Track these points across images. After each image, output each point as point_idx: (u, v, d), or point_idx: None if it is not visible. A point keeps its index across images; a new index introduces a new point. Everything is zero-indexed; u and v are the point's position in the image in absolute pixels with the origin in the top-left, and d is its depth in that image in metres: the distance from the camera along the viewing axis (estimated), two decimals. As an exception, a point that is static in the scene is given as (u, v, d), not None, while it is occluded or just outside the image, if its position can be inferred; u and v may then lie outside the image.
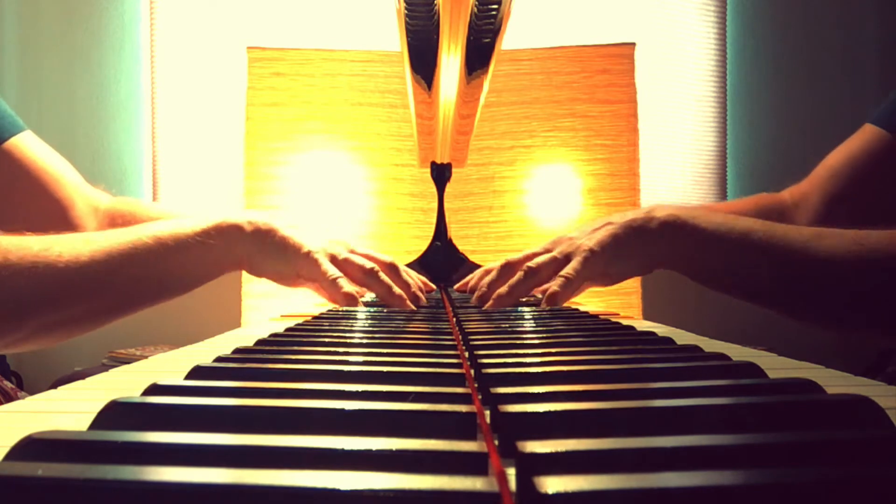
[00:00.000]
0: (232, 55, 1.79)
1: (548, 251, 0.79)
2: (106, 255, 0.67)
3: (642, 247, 0.73)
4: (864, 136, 0.98)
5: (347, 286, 0.75)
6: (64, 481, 0.18)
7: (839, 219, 0.93)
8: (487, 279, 0.81)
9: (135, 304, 0.73)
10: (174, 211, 0.97)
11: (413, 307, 0.77)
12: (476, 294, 0.81)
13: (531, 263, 0.76)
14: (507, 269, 0.80)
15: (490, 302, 0.75)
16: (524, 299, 0.81)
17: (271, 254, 0.75)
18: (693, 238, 0.71)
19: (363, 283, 0.78)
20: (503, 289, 0.75)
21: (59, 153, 0.98)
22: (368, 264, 0.78)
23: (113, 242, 0.68)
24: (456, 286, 0.98)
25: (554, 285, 0.73)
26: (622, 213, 0.77)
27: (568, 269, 0.74)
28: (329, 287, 0.76)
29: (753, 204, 1.00)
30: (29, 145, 0.92)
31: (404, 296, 0.77)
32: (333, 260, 0.77)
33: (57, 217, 0.92)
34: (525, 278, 0.75)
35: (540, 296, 0.79)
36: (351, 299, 0.75)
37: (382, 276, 0.78)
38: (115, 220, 0.95)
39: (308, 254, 0.76)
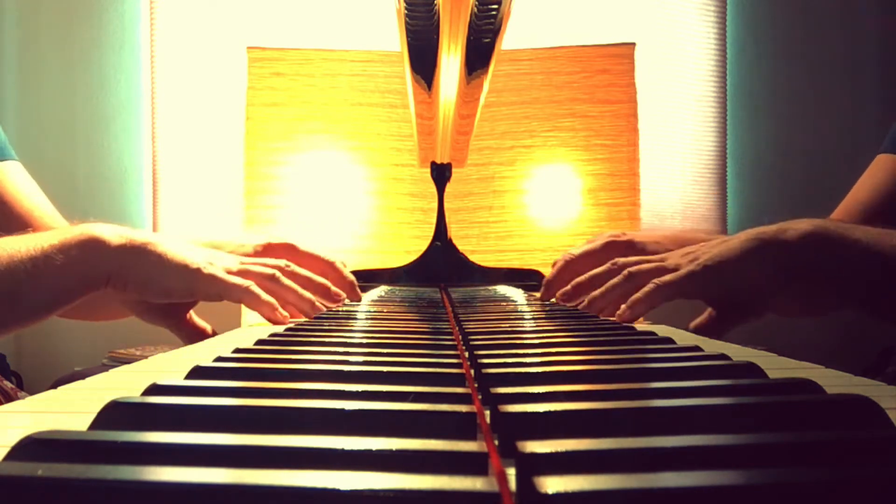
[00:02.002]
0: (232, 55, 1.79)
1: (661, 260, 0.71)
2: None
3: (774, 260, 0.64)
4: (886, 166, 0.94)
5: (264, 294, 0.70)
6: (64, 481, 0.18)
7: None
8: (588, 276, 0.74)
9: None
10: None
11: (321, 307, 0.72)
12: (562, 292, 0.76)
13: (634, 269, 0.69)
14: (615, 268, 0.72)
15: (585, 302, 0.70)
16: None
17: (154, 270, 0.68)
18: (842, 249, 0.62)
19: (268, 291, 0.72)
20: (599, 291, 0.70)
21: (58, 153, 0.98)
22: (267, 270, 0.73)
23: None
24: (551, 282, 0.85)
25: (642, 291, 0.66)
26: (746, 231, 0.68)
27: (665, 277, 0.66)
28: (243, 296, 0.70)
29: None
30: (9, 174, 0.91)
31: (313, 299, 0.72)
32: (228, 273, 0.72)
33: None
34: (624, 283, 0.69)
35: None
36: (271, 307, 0.69)
37: (284, 279, 0.73)
38: None
39: (199, 269, 0.69)
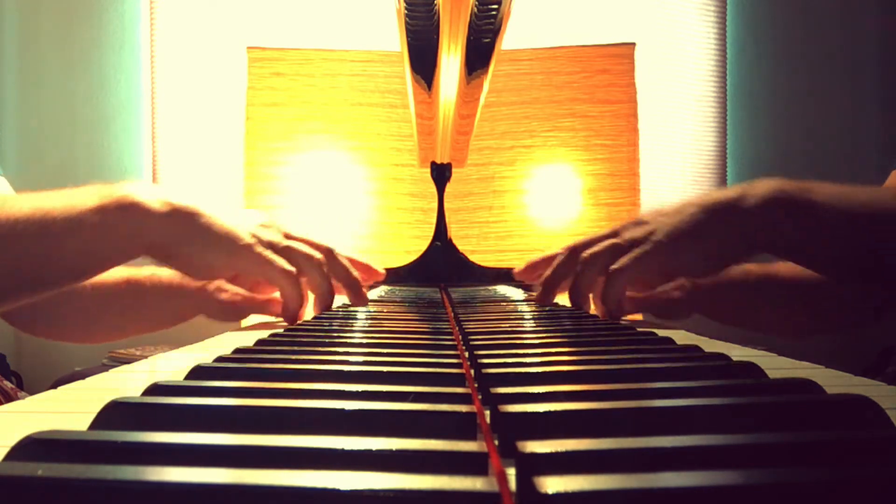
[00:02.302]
0: (232, 55, 1.79)
1: (614, 233, 0.68)
2: None
3: (732, 229, 0.61)
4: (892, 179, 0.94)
5: (299, 296, 0.66)
6: (64, 481, 0.18)
7: None
8: (548, 272, 0.71)
9: (6, 294, 0.61)
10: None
11: (364, 302, 0.70)
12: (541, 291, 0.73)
13: (586, 253, 0.66)
14: (571, 258, 0.69)
15: (542, 297, 0.69)
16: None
17: (202, 242, 0.63)
18: (804, 213, 0.58)
19: (304, 275, 0.68)
20: (567, 292, 0.67)
21: (58, 153, 0.98)
22: (316, 254, 0.68)
23: None
24: (519, 271, 0.83)
25: (606, 289, 0.63)
26: (707, 193, 0.65)
27: (616, 264, 0.63)
28: (286, 286, 0.66)
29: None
30: None
31: (362, 288, 0.70)
32: (274, 249, 0.67)
33: None
34: (582, 272, 0.66)
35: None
36: (298, 309, 0.65)
37: (324, 269, 0.68)
38: None
39: (249, 247, 0.64)
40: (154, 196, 0.62)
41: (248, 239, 0.64)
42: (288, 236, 0.69)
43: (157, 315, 0.86)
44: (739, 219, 0.60)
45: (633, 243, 0.64)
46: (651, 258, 0.62)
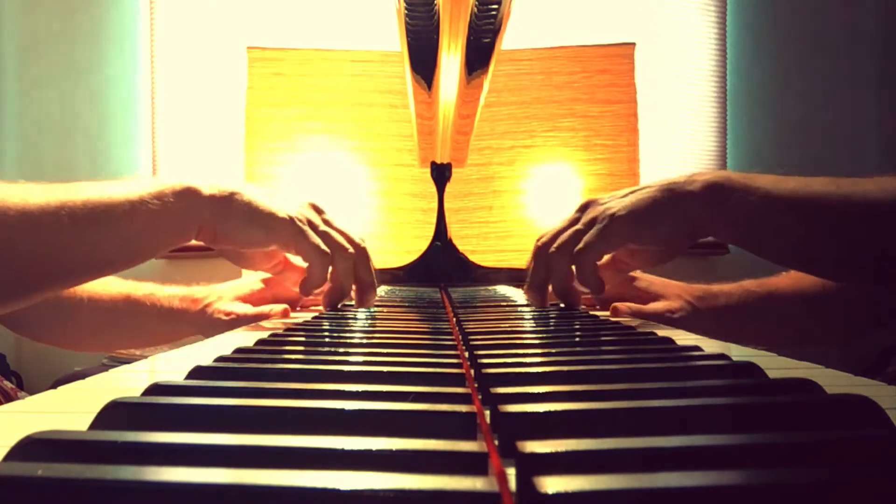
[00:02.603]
0: (232, 55, 1.79)
1: (575, 220, 0.71)
2: (40, 208, 0.58)
3: (681, 211, 0.66)
4: None
5: (324, 277, 0.69)
6: (64, 481, 0.18)
7: None
8: (527, 280, 0.74)
9: (73, 271, 0.64)
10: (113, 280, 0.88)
11: (368, 306, 0.72)
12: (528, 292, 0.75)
13: (552, 248, 0.70)
14: (541, 256, 0.72)
15: (571, 299, 0.70)
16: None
17: (241, 219, 0.67)
18: (742, 197, 0.63)
19: (332, 264, 0.71)
20: (550, 288, 0.70)
21: (58, 153, 0.99)
22: (350, 249, 0.71)
23: (49, 196, 0.59)
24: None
25: (578, 273, 0.67)
26: (661, 179, 0.70)
27: (580, 245, 0.67)
28: (318, 266, 0.68)
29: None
30: None
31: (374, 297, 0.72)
32: (311, 228, 0.70)
33: None
34: (555, 267, 0.69)
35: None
36: (315, 292, 0.69)
37: (352, 264, 0.71)
38: None
39: (290, 220, 0.68)
40: (204, 182, 0.67)
41: (286, 215, 0.68)
42: (328, 223, 0.73)
43: (152, 335, 0.87)
44: (685, 200, 0.65)
45: (592, 223, 0.68)
46: (611, 232, 0.67)
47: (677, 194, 0.66)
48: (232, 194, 0.68)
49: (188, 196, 0.66)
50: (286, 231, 0.68)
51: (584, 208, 0.73)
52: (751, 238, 0.66)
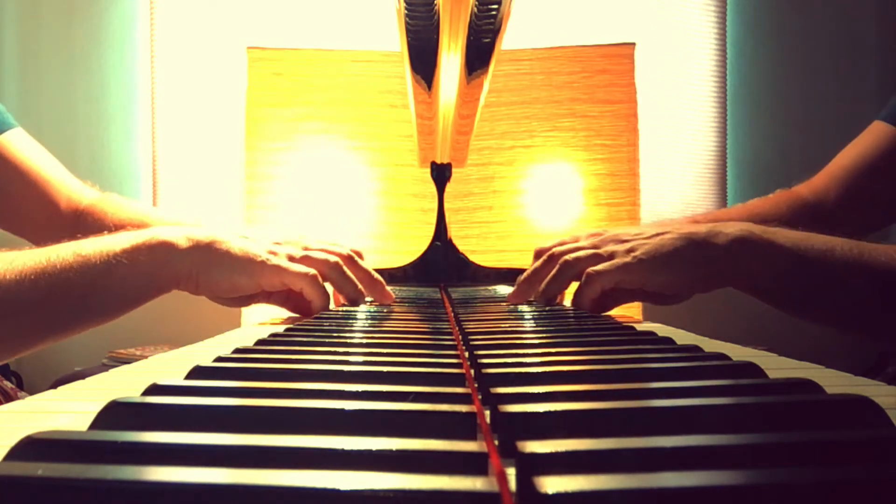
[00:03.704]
0: (232, 55, 1.79)
1: (594, 247, 0.73)
2: (18, 274, 0.61)
3: (703, 261, 0.67)
4: (877, 133, 0.98)
5: (321, 285, 0.71)
6: (64, 481, 0.18)
7: (855, 215, 0.95)
8: (526, 273, 0.77)
9: (54, 329, 0.66)
10: (150, 213, 0.95)
11: (390, 299, 0.75)
12: (514, 291, 0.77)
13: (569, 257, 0.72)
14: (553, 259, 0.74)
15: (517, 295, 0.73)
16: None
17: (221, 268, 0.69)
18: (767, 254, 0.65)
19: (326, 278, 0.74)
20: (542, 284, 0.72)
21: (58, 153, 0.99)
22: (332, 258, 0.74)
23: (27, 260, 0.62)
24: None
25: (582, 284, 0.69)
26: (681, 224, 0.71)
27: (598, 267, 0.68)
28: (306, 284, 0.70)
29: (774, 203, 0.98)
30: (16, 143, 0.92)
31: (363, 291, 0.74)
32: (291, 259, 0.72)
33: (43, 214, 0.93)
34: (563, 271, 0.72)
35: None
36: (326, 302, 0.71)
37: (346, 270, 0.74)
38: (86, 220, 0.94)
39: (264, 262, 0.70)
40: (178, 234, 0.69)
41: (263, 255, 0.70)
42: (307, 248, 0.76)
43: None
44: (711, 252, 0.66)
45: (613, 256, 0.70)
46: (630, 271, 0.68)
47: (703, 247, 0.66)
48: (209, 245, 0.69)
49: (163, 250, 0.67)
50: (266, 272, 0.70)
51: (604, 238, 0.75)
52: (773, 293, 0.67)
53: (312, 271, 0.71)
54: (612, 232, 0.76)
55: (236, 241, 0.71)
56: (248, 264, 0.69)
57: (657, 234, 0.70)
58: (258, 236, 0.74)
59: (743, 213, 0.95)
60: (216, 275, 0.69)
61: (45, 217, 0.93)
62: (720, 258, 0.66)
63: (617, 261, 0.68)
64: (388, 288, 0.79)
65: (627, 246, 0.70)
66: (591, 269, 0.68)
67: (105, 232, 0.69)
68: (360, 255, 0.82)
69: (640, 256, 0.68)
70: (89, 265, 0.64)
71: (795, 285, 0.65)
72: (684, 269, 0.67)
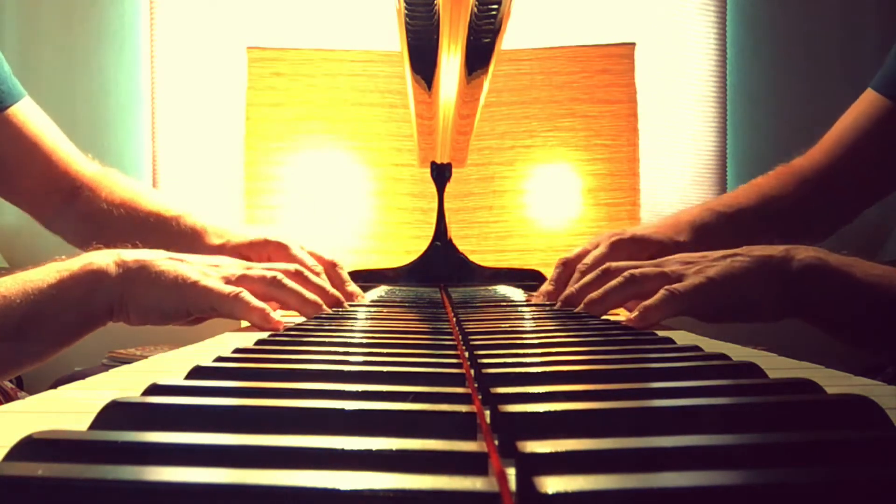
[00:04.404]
0: (232, 55, 1.79)
1: (657, 266, 0.68)
2: None
3: (777, 290, 0.63)
4: (867, 101, 0.98)
5: (255, 300, 0.66)
6: (64, 481, 0.18)
7: (856, 180, 0.95)
8: (583, 281, 0.71)
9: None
10: (144, 193, 0.95)
11: (328, 309, 0.70)
12: (564, 294, 0.72)
13: (635, 272, 0.67)
14: (607, 273, 0.69)
15: (581, 305, 0.67)
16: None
17: (150, 292, 0.64)
18: (845, 288, 0.61)
19: (270, 296, 0.69)
20: (597, 293, 0.67)
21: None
22: (269, 274, 0.70)
23: None
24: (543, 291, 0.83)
25: (655, 299, 0.63)
26: (749, 248, 0.66)
27: (678, 286, 0.63)
28: (233, 306, 0.65)
29: (781, 182, 0.99)
30: (28, 114, 0.93)
31: (318, 301, 0.70)
32: (228, 281, 0.68)
33: (44, 186, 0.93)
34: (625, 285, 0.67)
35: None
36: (263, 315, 0.65)
37: (288, 282, 0.70)
38: (82, 194, 0.94)
39: (195, 283, 0.65)
40: (109, 260, 0.64)
41: (194, 277, 0.66)
42: (248, 268, 0.71)
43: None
44: (783, 280, 0.62)
45: (682, 278, 0.65)
46: (704, 295, 0.63)
47: (776, 272, 0.63)
48: (139, 268, 0.65)
49: (88, 277, 0.63)
50: (193, 294, 0.65)
51: (670, 261, 0.69)
52: (840, 327, 0.64)
53: (239, 290, 0.66)
54: (680, 258, 0.70)
55: (169, 263, 0.66)
56: (175, 287, 0.65)
57: (728, 256, 0.66)
58: (197, 260, 0.70)
59: (752, 196, 0.94)
60: (143, 300, 0.65)
61: (44, 189, 0.93)
62: (795, 287, 0.62)
63: (691, 281, 0.64)
64: (386, 288, 0.78)
65: (696, 267, 0.66)
66: (670, 287, 0.63)
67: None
68: (334, 265, 0.81)
69: (712, 276, 0.63)
70: (13, 307, 0.60)
71: (869, 323, 0.62)
72: (756, 292, 0.63)
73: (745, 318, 0.65)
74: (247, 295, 0.66)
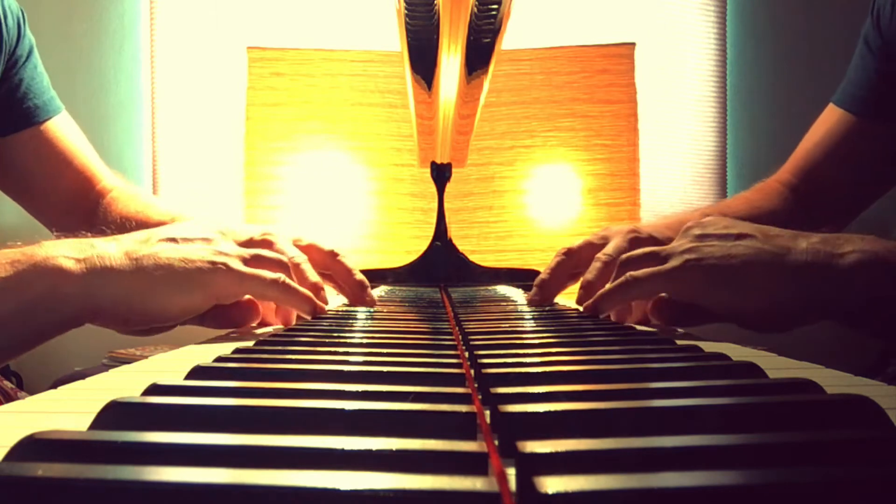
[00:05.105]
0: (232, 55, 1.79)
1: (667, 239, 0.59)
2: None
3: (825, 287, 0.51)
4: (832, 119, 0.96)
5: (301, 287, 0.60)
6: (64, 481, 0.18)
7: (815, 199, 0.95)
8: (590, 277, 0.64)
9: None
10: (153, 206, 0.94)
11: (322, 307, 0.63)
12: (581, 297, 0.65)
13: (623, 257, 0.59)
14: (608, 265, 0.62)
15: (591, 303, 0.60)
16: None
17: (164, 286, 0.54)
18: None
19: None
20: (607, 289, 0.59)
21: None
22: (285, 257, 0.62)
23: None
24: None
25: (610, 284, 0.57)
26: (762, 228, 0.54)
27: (638, 273, 0.55)
28: (282, 294, 0.58)
29: (766, 195, 0.96)
30: (63, 129, 0.94)
31: (311, 296, 0.61)
32: (245, 262, 0.59)
33: (70, 199, 0.94)
34: (619, 276, 0.59)
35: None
36: (311, 302, 0.59)
37: (287, 281, 0.60)
38: (100, 210, 0.94)
39: (220, 267, 0.56)
40: (70, 253, 0.54)
41: (202, 259, 0.56)
42: (243, 246, 0.62)
43: None
44: (834, 277, 0.51)
45: (668, 258, 0.56)
46: (672, 280, 0.55)
47: (827, 268, 0.51)
48: (138, 260, 0.55)
49: (49, 285, 0.52)
50: (223, 281, 0.56)
51: (688, 228, 0.59)
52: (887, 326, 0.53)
53: (281, 276, 0.58)
54: (694, 232, 0.58)
55: (166, 248, 0.56)
56: (203, 276, 0.55)
57: (734, 238, 0.55)
58: (181, 232, 0.59)
59: (743, 206, 0.94)
60: (160, 298, 0.55)
61: (69, 205, 0.94)
62: (844, 286, 0.51)
63: (669, 264, 0.55)
64: (386, 288, 0.77)
65: (687, 246, 0.56)
66: (630, 274, 0.56)
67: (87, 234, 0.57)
68: (334, 255, 0.74)
69: (713, 263, 0.53)
70: None
71: None
72: (803, 290, 0.52)
73: (758, 319, 0.55)
74: (288, 279, 0.59)
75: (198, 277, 0.55)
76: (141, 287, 0.54)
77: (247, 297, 0.62)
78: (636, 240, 0.70)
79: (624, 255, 0.60)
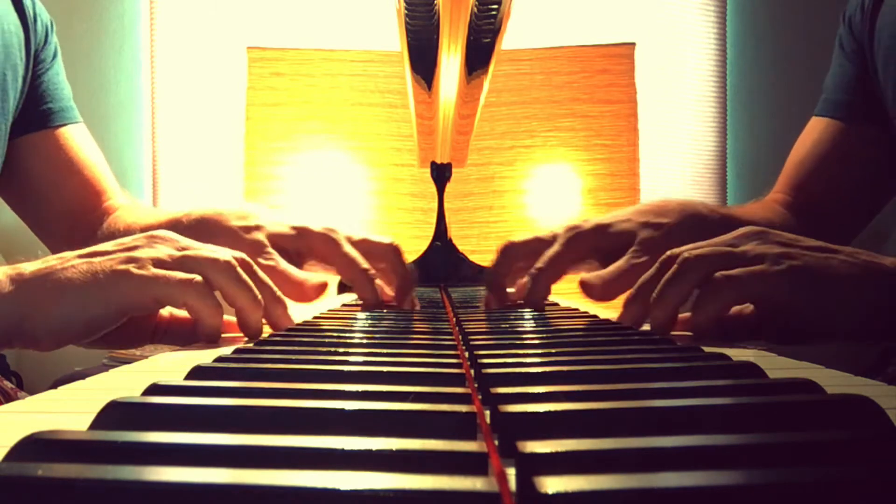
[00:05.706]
0: (232, 55, 1.79)
1: (733, 242, 0.53)
2: None
3: (875, 296, 0.49)
4: (819, 130, 0.96)
5: (211, 296, 0.52)
6: (64, 481, 0.18)
7: (813, 214, 0.94)
8: (644, 277, 0.55)
9: None
10: (150, 217, 0.87)
11: (255, 322, 0.55)
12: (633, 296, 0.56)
13: (688, 255, 0.51)
14: (668, 261, 0.53)
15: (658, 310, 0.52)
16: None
17: (67, 299, 0.50)
18: None
19: (214, 287, 0.53)
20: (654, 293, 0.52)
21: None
22: (223, 258, 0.53)
23: None
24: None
25: (704, 293, 0.50)
26: (828, 244, 0.50)
27: (732, 272, 0.49)
28: (193, 298, 0.51)
29: (766, 210, 0.93)
30: (77, 138, 0.94)
31: (219, 309, 0.53)
32: (162, 266, 0.52)
33: (77, 212, 0.94)
34: (680, 275, 0.51)
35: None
36: (216, 315, 0.52)
37: (244, 274, 0.53)
38: (103, 225, 0.93)
39: (124, 273, 0.51)
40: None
41: (119, 267, 0.51)
42: (184, 248, 0.55)
43: None
44: (886, 283, 0.49)
45: (758, 257, 0.51)
46: (776, 283, 0.49)
47: (869, 270, 0.49)
48: (42, 277, 0.50)
49: None
50: (130, 287, 0.51)
51: (746, 234, 0.53)
52: None
53: (197, 277, 0.51)
54: (757, 231, 0.53)
55: (74, 261, 0.51)
56: (101, 285, 0.50)
57: (822, 251, 0.51)
58: (112, 245, 0.54)
59: (739, 212, 0.94)
60: (64, 313, 0.50)
61: (73, 215, 0.92)
62: None
63: (760, 267, 0.49)
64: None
65: (779, 250, 0.50)
66: (720, 274, 0.49)
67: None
68: (397, 251, 0.71)
69: (796, 266, 0.49)
70: None
71: None
72: (865, 300, 0.49)
73: (824, 326, 0.51)
74: (206, 287, 0.52)
75: (93, 289, 0.50)
76: (37, 305, 0.50)
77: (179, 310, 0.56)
78: (581, 237, 0.68)
79: (692, 252, 0.51)
